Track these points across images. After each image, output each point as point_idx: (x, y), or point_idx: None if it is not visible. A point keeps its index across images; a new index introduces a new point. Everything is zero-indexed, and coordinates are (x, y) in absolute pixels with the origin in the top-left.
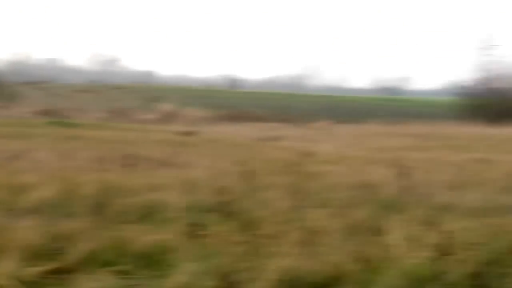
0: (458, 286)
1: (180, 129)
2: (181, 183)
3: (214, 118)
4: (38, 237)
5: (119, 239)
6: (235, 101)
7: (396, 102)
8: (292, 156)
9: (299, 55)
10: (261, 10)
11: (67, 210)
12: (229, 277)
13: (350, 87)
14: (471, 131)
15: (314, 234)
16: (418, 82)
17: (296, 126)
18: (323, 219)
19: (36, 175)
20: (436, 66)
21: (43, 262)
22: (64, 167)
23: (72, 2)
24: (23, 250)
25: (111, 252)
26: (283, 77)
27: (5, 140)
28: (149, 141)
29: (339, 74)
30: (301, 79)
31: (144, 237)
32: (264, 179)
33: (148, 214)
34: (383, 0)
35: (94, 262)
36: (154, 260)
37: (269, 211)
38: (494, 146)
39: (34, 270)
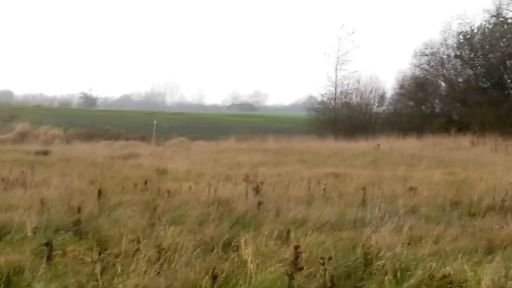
0: None
1: (35, 148)
2: (34, 203)
3: (70, 136)
4: None
5: None
6: (91, 120)
7: (252, 118)
8: (147, 174)
9: (154, 72)
10: (115, 28)
11: None
12: None
13: (206, 104)
14: (323, 146)
15: (168, 251)
16: (274, 98)
17: (151, 143)
18: (177, 236)
19: None
20: (291, 82)
21: None
22: None
23: None
24: None
25: None
26: (138, 95)
27: None
28: (2, 161)
29: (195, 91)
30: (156, 96)
31: None
32: (118, 197)
33: (0, 235)
34: (235, 16)
35: None
36: (7, 281)
37: (123, 229)
38: (345, 161)
39: None
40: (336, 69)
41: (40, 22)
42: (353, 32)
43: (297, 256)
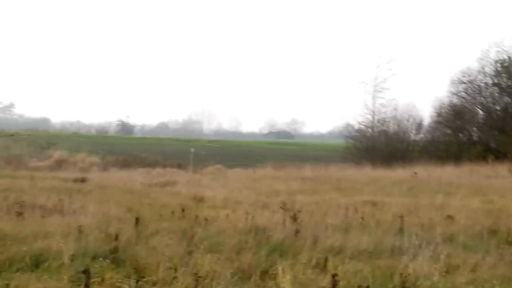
0: None
1: (72, 175)
2: (71, 230)
3: (107, 164)
4: None
5: (9, 287)
6: (128, 147)
7: (289, 145)
8: (184, 201)
9: (191, 99)
10: (153, 57)
11: None
12: None
13: (244, 131)
14: (360, 174)
15: (205, 279)
16: (311, 126)
17: (188, 171)
18: (214, 264)
19: None
20: (328, 109)
21: None
22: None
23: None
24: None
25: None
26: (175, 122)
27: None
28: (40, 188)
29: (232, 118)
30: (194, 124)
31: (34, 285)
32: (155, 225)
33: (37, 262)
34: (273, 44)
35: None
36: None
37: (160, 257)
38: (383, 188)
39: None
40: (373, 97)
41: (78, 51)
42: (391, 60)
43: (334, 284)
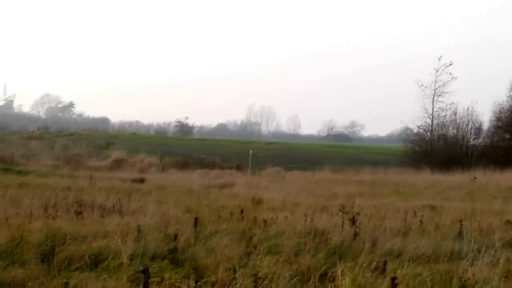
0: None
1: (130, 176)
2: (130, 230)
3: (165, 164)
4: None
5: (68, 286)
6: (186, 148)
7: (347, 149)
8: (243, 203)
9: (250, 101)
10: (212, 59)
11: (16, 257)
12: None
13: (302, 134)
14: (419, 178)
15: (264, 280)
16: (369, 129)
17: (247, 173)
18: (273, 265)
19: None
20: (387, 113)
21: None
22: (13, 214)
23: (21, 48)
24: None
25: None
26: (234, 124)
27: None
28: (99, 188)
29: (291, 120)
30: (252, 126)
31: (93, 284)
32: (214, 226)
33: (96, 261)
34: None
35: None
36: None
37: (219, 258)
38: (441, 193)
39: None
40: (433, 101)
41: (136, 51)
42: (451, 64)
43: (394, 287)
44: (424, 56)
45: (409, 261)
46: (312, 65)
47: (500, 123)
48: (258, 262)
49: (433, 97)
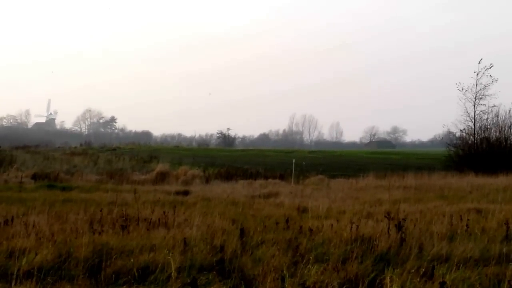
0: None
1: (175, 188)
2: (176, 243)
3: (208, 176)
4: None
5: None
6: (229, 159)
7: (390, 155)
8: (288, 212)
9: (292, 110)
10: (252, 69)
11: (63, 273)
12: None
13: (344, 141)
14: (463, 181)
15: None
16: (412, 134)
17: (290, 182)
18: (321, 274)
19: (31, 239)
20: (429, 118)
21: None
22: (59, 230)
23: (63, 64)
24: None
25: None
26: (276, 133)
27: None
28: (143, 201)
29: (333, 128)
30: (294, 135)
31: None
32: (260, 236)
33: (144, 275)
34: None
35: None
36: None
37: (266, 268)
38: (486, 196)
39: None
40: (474, 104)
41: (176, 65)
42: (491, 66)
43: None
44: (466, 59)
45: (457, 265)
46: (353, 71)
47: None
48: (305, 271)
49: (475, 100)
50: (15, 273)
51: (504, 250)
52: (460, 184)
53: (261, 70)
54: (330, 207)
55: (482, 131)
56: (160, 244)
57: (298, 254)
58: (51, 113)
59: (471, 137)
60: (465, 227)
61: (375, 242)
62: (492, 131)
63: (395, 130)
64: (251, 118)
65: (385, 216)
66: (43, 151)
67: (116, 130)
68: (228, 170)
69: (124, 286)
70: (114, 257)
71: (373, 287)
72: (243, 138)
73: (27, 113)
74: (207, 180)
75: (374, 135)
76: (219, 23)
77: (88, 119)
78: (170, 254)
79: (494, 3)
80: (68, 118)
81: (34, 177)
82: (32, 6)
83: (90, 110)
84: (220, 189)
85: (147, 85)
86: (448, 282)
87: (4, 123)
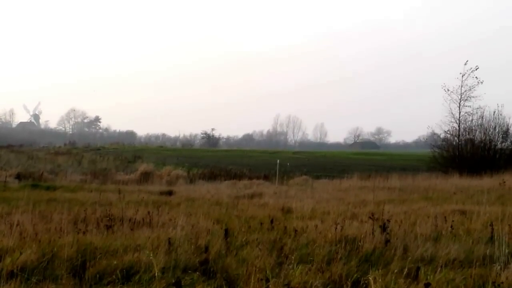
0: None
1: (158, 188)
2: (161, 243)
3: (193, 176)
4: None
5: None
6: (213, 160)
7: (374, 155)
8: (272, 213)
9: (275, 111)
10: (234, 71)
11: (47, 272)
12: None
13: (328, 142)
14: (448, 183)
15: None
16: (396, 135)
17: (275, 182)
18: (305, 274)
19: (15, 238)
20: (413, 119)
21: None
22: (43, 229)
23: (49, 64)
24: None
25: None
26: (260, 134)
27: None
28: (128, 201)
29: (317, 129)
30: (278, 135)
31: None
32: (245, 236)
33: (128, 275)
34: (355, 54)
35: None
36: None
37: (250, 269)
38: (471, 197)
39: None
40: (459, 105)
41: (162, 65)
42: (477, 68)
43: None
44: (451, 60)
45: (441, 266)
46: (337, 71)
47: None
48: (290, 272)
49: (460, 101)
50: None
51: (488, 251)
52: (444, 185)
53: (246, 71)
54: (314, 208)
55: (467, 133)
56: (145, 244)
57: (282, 254)
58: (35, 113)
59: (456, 138)
60: (450, 228)
61: (359, 243)
62: (477, 132)
63: (379, 131)
64: (235, 119)
65: (370, 217)
66: (27, 151)
67: (101, 130)
68: (212, 170)
69: (108, 286)
70: (98, 257)
71: (358, 287)
72: (228, 139)
73: (11, 112)
74: (191, 181)
75: (358, 136)
76: (205, 23)
77: (72, 119)
78: (155, 254)
79: (479, 5)
80: (52, 118)
81: (18, 176)
82: (16, 5)
83: (74, 110)
84: (204, 189)
85: (130, 85)
86: (432, 283)
87: None
